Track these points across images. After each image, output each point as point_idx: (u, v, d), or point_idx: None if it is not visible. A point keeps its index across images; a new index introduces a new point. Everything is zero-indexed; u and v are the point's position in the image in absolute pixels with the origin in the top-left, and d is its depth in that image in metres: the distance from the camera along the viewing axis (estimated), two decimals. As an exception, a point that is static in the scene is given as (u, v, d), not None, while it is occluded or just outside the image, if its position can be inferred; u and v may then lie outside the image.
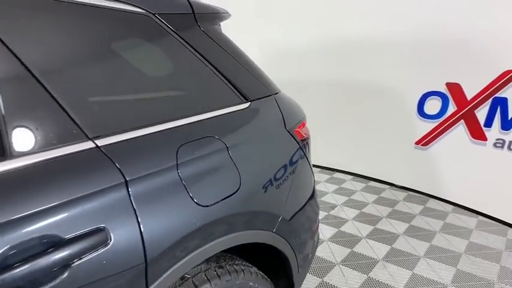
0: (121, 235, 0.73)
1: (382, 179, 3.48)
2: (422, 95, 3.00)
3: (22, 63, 0.72)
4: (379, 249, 2.32)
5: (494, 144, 2.63)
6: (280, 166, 1.18)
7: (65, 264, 0.65)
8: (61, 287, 0.64)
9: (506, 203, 2.62)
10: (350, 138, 3.62)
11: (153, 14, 1.00)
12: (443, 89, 2.87)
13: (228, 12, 1.28)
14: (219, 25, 1.23)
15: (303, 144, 1.34)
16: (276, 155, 1.20)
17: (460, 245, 2.36)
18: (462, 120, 2.81)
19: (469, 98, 2.72)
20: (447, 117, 2.89)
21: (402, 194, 3.21)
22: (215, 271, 1.00)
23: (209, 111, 1.04)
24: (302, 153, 1.31)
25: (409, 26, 2.92)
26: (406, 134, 3.17)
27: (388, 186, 3.40)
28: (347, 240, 2.44)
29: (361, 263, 2.17)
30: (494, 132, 2.62)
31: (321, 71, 3.60)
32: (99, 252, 0.69)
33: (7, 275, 0.59)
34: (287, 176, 1.20)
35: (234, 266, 1.06)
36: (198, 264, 0.99)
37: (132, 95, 0.89)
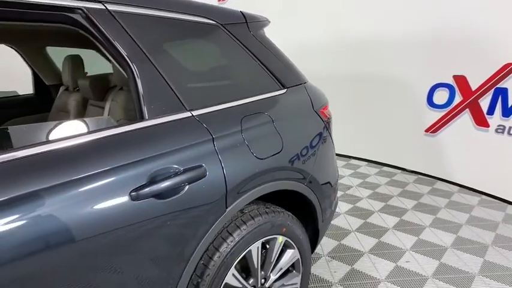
0: (212, 171, 1.12)
1: (394, 164, 3.81)
2: (432, 87, 3.31)
3: (153, 64, 1.12)
4: (389, 221, 2.67)
5: (496, 130, 2.93)
6: (310, 137, 1.56)
7: (183, 183, 1.05)
8: (183, 197, 1.04)
9: (507, 183, 2.93)
10: (365, 127, 3.95)
11: (222, 25, 1.39)
12: (450, 81, 3.18)
13: (268, 20, 1.66)
14: (263, 30, 1.62)
15: (327, 122, 1.72)
16: (307, 129, 1.58)
17: (462, 218, 2.69)
18: (467, 109, 3.11)
19: (473, 88, 3.03)
20: (454, 107, 3.20)
21: (412, 177, 3.54)
22: (264, 210, 1.39)
23: (259, 95, 1.42)
24: (326, 129, 1.69)
25: (421, 25, 3.23)
26: (417, 123, 3.49)
27: (400, 170, 3.73)
28: (361, 213, 2.80)
29: (374, 231, 2.53)
30: (495, 119, 2.92)
31: (340, 66, 3.94)
32: (201, 180, 1.09)
33: (155, 186, 0.99)
34: (315, 145, 1.58)
35: (277, 209, 1.45)
36: (252, 203, 1.38)
37: (211, 82, 1.29)
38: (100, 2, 1.06)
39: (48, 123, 1.05)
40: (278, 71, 1.56)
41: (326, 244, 2.37)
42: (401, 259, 2.19)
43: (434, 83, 3.29)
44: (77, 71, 2.10)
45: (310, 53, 4.12)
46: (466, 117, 3.14)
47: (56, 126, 1.05)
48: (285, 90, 1.56)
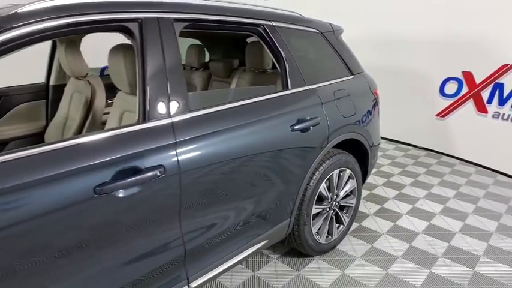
0: (323, 121, 1.95)
1: (408, 142, 4.64)
2: (444, 80, 4.11)
3: (293, 57, 1.93)
4: (407, 180, 3.51)
5: (493, 116, 3.74)
6: (368, 108, 2.39)
7: (311, 126, 1.87)
8: (310, 134, 1.87)
9: (499, 156, 3.75)
10: (386, 111, 4.75)
11: (320, 33, 2.20)
12: (459, 75, 3.97)
13: (342, 29, 2.46)
14: (341, 35, 2.42)
15: (376, 100, 2.53)
16: (366, 102, 2.40)
17: (462, 181, 3.53)
18: (471, 99, 3.92)
19: (477, 82, 3.83)
20: (460, 96, 4.01)
21: (423, 152, 4.37)
22: (339, 151, 2.22)
23: (339, 78, 2.24)
24: (376, 104, 2.51)
25: (437, 27, 4.00)
26: (430, 108, 4.30)
27: (413, 147, 4.56)
28: (384, 174, 3.65)
29: (395, 186, 3.38)
30: (493, 107, 3.74)
31: (367, 59, 4.72)
32: (317, 126, 1.91)
33: (300, 124, 1.81)
34: (371, 114, 2.40)
35: (345, 152, 2.27)
36: (332, 148, 2.21)
37: (316, 68, 2.11)
38: (270, 21, 1.87)
39: (247, 87, 1.88)
40: (349, 63, 2.38)
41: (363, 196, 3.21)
42: (416, 203, 3.04)
43: (446, 77, 4.09)
44: (201, 55, 2.93)
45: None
46: (470, 105, 3.95)
47: (248, 90, 1.87)
48: (353, 76, 2.38)
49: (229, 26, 1.74)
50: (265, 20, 1.85)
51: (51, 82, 2.48)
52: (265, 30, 1.84)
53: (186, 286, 1.52)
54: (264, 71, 2.41)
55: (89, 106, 2.15)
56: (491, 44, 3.65)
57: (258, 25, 1.82)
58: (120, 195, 1.19)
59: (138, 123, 1.32)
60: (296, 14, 2.12)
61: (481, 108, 3.85)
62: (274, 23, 1.89)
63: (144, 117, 1.32)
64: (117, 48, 1.57)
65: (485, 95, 3.80)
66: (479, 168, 3.89)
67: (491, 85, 3.73)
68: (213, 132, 1.47)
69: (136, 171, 1.23)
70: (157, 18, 1.40)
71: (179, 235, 1.43)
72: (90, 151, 1.16)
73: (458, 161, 4.10)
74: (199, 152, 1.41)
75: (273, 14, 1.92)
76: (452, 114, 4.13)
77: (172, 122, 1.36)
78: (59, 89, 2.46)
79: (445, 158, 4.18)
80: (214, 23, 1.65)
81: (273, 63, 2.19)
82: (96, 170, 1.14)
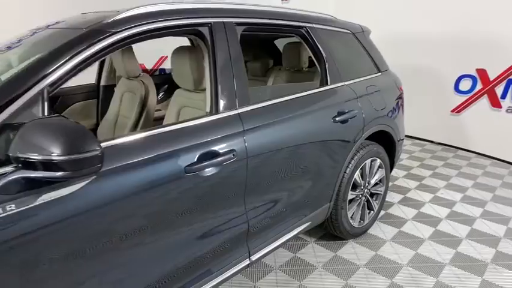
0: (359, 114, 2.14)
1: (424, 138, 4.82)
2: (458, 77, 4.29)
3: (332, 56, 2.13)
4: (426, 172, 3.69)
5: (506, 110, 3.92)
6: (395, 103, 2.58)
7: (349, 118, 2.07)
8: (349, 123, 2.07)
9: (512, 149, 3.93)
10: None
11: (352, 34, 2.40)
12: (473, 73, 4.15)
13: (370, 30, 2.66)
14: (369, 36, 2.62)
15: (402, 96, 2.73)
16: (393, 97, 2.59)
17: (478, 173, 3.70)
18: (485, 95, 4.09)
19: (491, 79, 4.01)
20: (475, 93, 4.18)
21: (440, 147, 4.55)
22: (370, 142, 2.41)
23: (370, 75, 2.44)
24: (402, 99, 2.71)
25: (453, 27, 4.19)
26: (445, 105, 4.47)
27: (429, 142, 4.74)
28: (404, 167, 3.83)
29: (416, 177, 3.56)
30: (507, 102, 3.91)
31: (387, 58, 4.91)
32: (355, 117, 2.11)
33: (343, 115, 2.01)
34: (397, 108, 2.60)
35: (375, 143, 2.46)
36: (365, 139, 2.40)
37: (349, 66, 2.31)
38: (311, 23, 2.07)
39: (289, 84, 2.09)
40: (377, 61, 2.58)
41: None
42: (437, 193, 3.22)
43: (461, 74, 4.27)
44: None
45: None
46: (484, 100, 4.12)
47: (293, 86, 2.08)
48: (380, 73, 2.58)
49: (278, 28, 1.95)
50: (307, 22, 2.06)
51: (102, 83, 2.70)
52: (307, 32, 2.04)
53: (248, 259, 1.72)
54: (299, 70, 2.61)
55: (143, 104, 2.36)
56: (504, 42, 3.82)
57: (302, 27, 2.02)
58: (203, 174, 1.40)
59: (210, 114, 1.53)
60: (331, 17, 2.33)
61: (495, 103, 4.02)
62: (314, 25, 2.09)
63: (217, 109, 1.53)
64: (182, 50, 1.78)
65: (499, 90, 3.97)
66: (494, 160, 4.06)
67: (505, 81, 3.90)
68: (271, 122, 1.67)
69: (215, 154, 1.43)
70: (223, 22, 1.61)
71: (244, 212, 1.63)
72: (182, 136, 1.37)
73: (474, 154, 4.27)
74: (261, 139, 1.62)
75: (313, 17, 2.13)
76: (467, 110, 4.30)
77: (239, 113, 1.57)
78: (109, 89, 2.68)
79: (460, 152, 4.35)
80: (266, 26, 1.86)
81: (309, 62, 2.40)
82: (186, 152, 1.35)
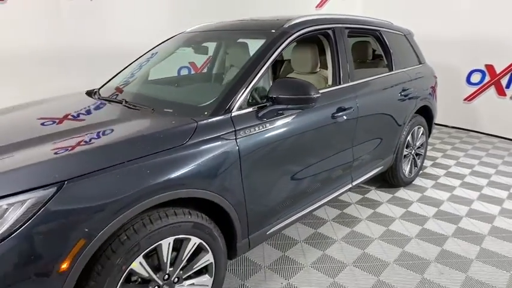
0: (412, 90, 3.03)
1: (440, 123, 5.73)
2: (470, 71, 5.21)
3: (395, 52, 3.02)
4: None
5: (510, 98, 4.84)
6: (433, 88, 3.47)
7: (404, 96, 2.96)
8: (406, 99, 2.96)
9: (515, 130, 4.85)
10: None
11: (404, 35, 3.30)
12: (482, 67, 5.07)
13: (413, 32, 3.56)
14: (413, 36, 3.51)
15: (436, 82, 3.62)
16: (431, 83, 3.48)
17: (489, 147, 4.60)
18: (492, 85, 5.01)
19: (497, 72, 4.93)
20: (483, 84, 5.10)
21: (454, 130, 5.46)
22: (417, 114, 3.29)
23: (415, 65, 3.34)
24: (436, 86, 3.60)
25: (464, 28, 5.11)
26: (458, 95, 5.39)
27: (445, 126, 5.65)
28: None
29: (439, 150, 4.46)
30: (511, 91, 4.83)
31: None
32: (410, 94, 3.00)
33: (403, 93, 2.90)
34: (434, 91, 3.49)
35: (420, 116, 3.35)
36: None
37: (404, 59, 3.20)
38: (382, 27, 2.96)
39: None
40: (419, 55, 3.47)
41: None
42: (458, 159, 4.12)
43: (472, 69, 5.19)
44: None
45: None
46: (491, 90, 5.04)
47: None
48: (421, 65, 3.47)
49: (363, 30, 2.84)
50: (379, 27, 2.95)
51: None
52: (380, 34, 2.93)
53: (350, 184, 2.60)
54: (364, 61, 3.50)
55: None
56: (509, 41, 4.75)
57: (377, 30, 2.91)
58: (339, 120, 2.27)
59: (334, 85, 2.40)
60: (391, 23, 3.21)
61: (501, 92, 4.94)
62: (383, 29, 2.99)
63: (339, 82, 2.40)
64: (302, 45, 2.65)
65: (504, 82, 4.89)
66: (501, 139, 4.98)
67: (509, 74, 4.82)
68: (369, 92, 2.57)
69: (344, 108, 2.31)
70: (340, 27, 2.49)
71: (351, 152, 2.50)
72: (331, 96, 2.27)
73: (484, 135, 5.18)
74: (365, 102, 2.50)
75: (382, 23, 3.02)
76: (477, 98, 5.22)
77: (352, 85, 2.45)
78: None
79: (472, 133, 5.27)
80: (359, 29, 2.75)
81: (373, 55, 3.27)
82: (332, 106, 2.23)
